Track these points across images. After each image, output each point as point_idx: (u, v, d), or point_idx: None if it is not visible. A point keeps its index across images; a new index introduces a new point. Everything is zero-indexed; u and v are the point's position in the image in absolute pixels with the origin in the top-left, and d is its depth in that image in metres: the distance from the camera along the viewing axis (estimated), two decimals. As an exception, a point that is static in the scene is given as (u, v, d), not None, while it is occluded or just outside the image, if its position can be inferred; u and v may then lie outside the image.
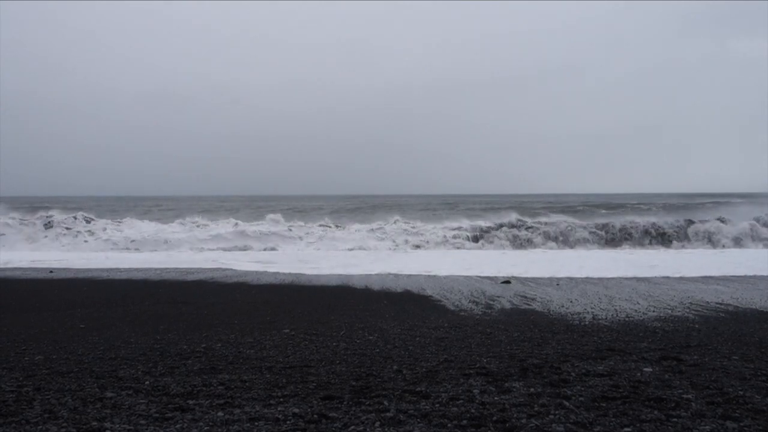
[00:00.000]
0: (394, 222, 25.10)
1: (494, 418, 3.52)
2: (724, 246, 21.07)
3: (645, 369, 4.74)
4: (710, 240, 21.71)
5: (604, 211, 33.07)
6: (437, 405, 3.81)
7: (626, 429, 3.32)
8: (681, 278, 12.24)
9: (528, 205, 41.37)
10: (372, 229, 23.96)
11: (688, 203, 38.26)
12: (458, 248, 20.98)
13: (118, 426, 3.42)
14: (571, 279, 12.22)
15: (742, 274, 12.72)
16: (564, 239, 21.67)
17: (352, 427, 3.40)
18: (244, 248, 21.56)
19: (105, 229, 23.96)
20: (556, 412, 3.64)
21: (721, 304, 8.77)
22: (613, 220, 24.76)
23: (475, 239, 22.38)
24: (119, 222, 25.75)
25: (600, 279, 12.16)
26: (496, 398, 3.96)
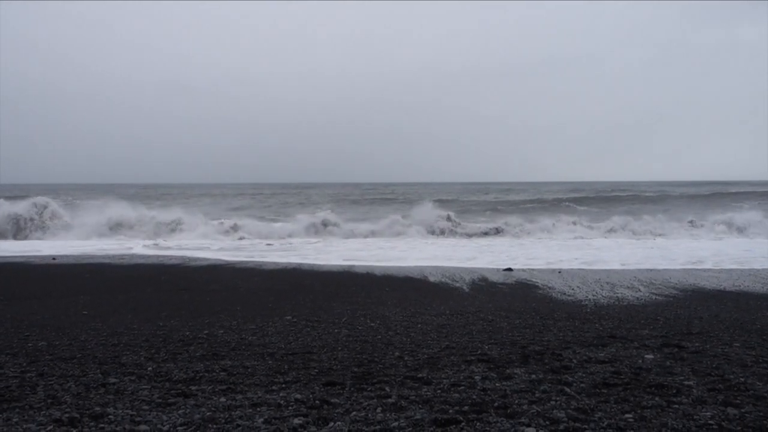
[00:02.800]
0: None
1: (496, 404, 3.53)
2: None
3: (646, 356, 4.74)
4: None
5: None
6: (439, 391, 3.82)
7: (627, 415, 3.33)
8: (683, 268, 12.24)
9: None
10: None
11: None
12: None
13: (120, 411, 3.44)
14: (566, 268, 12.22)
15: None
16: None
17: (354, 412, 3.42)
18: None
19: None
20: (558, 398, 3.65)
21: (722, 291, 8.77)
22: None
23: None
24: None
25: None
26: (497, 384, 3.96)
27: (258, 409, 3.48)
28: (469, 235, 20.87)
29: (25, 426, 3.18)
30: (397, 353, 4.95)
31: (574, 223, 21.77)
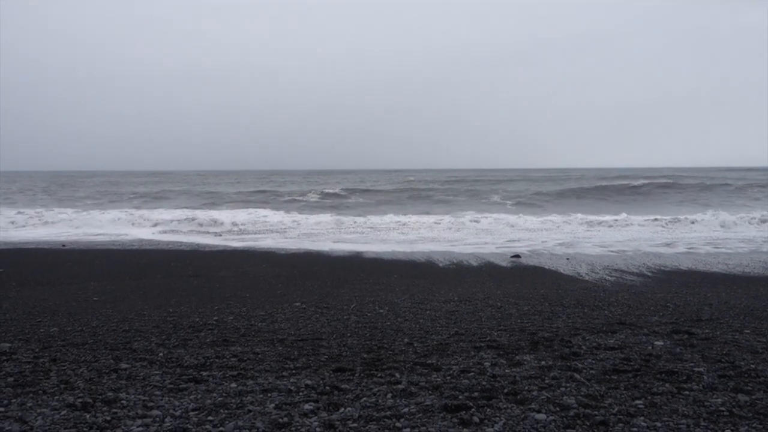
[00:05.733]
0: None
1: (505, 391, 3.53)
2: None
3: (656, 342, 4.73)
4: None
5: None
6: (448, 377, 3.83)
7: (637, 401, 3.33)
8: (691, 252, 12.18)
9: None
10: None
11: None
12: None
13: (133, 396, 3.47)
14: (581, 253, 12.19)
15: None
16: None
17: (364, 398, 3.43)
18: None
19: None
20: (567, 384, 3.65)
21: (732, 277, 8.73)
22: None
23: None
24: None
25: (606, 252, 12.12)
26: (507, 371, 3.97)
27: (269, 394, 3.51)
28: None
29: (39, 411, 3.21)
30: (406, 340, 4.96)
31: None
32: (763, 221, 18.15)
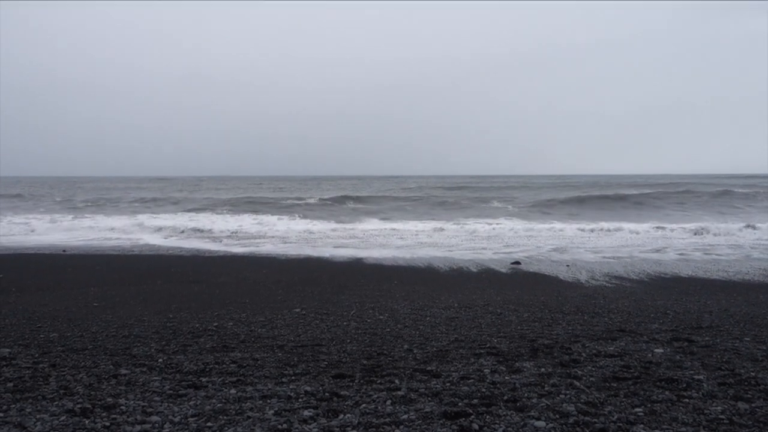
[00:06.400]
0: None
1: (505, 398, 3.53)
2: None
3: (656, 350, 4.73)
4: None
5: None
6: (448, 384, 3.83)
7: (637, 409, 3.32)
8: (690, 259, 12.17)
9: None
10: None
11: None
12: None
13: (132, 402, 3.46)
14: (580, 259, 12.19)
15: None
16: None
17: (364, 405, 3.43)
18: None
19: None
20: (567, 392, 3.65)
21: (731, 285, 8.72)
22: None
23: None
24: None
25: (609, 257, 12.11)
26: (506, 378, 3.97)
27: (268, 401, 3.50)
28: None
29: (38, 416, 3.21)
30: (406, 346, 4.96)
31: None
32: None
